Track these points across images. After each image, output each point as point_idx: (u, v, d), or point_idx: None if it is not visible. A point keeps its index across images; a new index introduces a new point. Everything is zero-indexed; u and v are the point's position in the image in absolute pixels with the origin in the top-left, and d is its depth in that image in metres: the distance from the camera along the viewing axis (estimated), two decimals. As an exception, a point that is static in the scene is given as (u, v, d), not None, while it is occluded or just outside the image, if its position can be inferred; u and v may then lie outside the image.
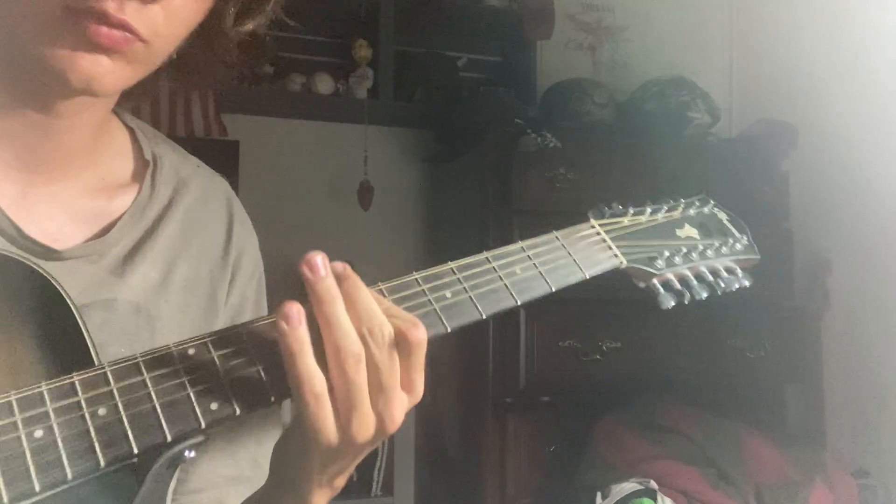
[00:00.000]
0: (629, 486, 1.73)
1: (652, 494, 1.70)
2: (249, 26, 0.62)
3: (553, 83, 2.37)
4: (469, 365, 2.16)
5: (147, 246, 0.64)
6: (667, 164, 2.09)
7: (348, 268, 0.50)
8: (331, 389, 0.49)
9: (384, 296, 0.54)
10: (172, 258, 0.66)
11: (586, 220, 0.70)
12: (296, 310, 0.47)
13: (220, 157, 2.29)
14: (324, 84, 2.45)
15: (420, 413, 2.52)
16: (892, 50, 2.13)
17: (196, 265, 0.68)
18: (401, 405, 0.51)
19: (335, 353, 0.48)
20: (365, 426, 0.50)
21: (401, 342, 0.50)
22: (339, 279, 0.50)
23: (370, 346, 0.49)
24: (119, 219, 0.64)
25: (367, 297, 0.50)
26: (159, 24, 0.52)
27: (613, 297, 2.14)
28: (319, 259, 0.49)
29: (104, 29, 0.50)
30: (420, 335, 0.50)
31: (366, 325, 0.49)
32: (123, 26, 0.50)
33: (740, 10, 2.81)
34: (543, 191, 2.06)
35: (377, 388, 0.50)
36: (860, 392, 2.17)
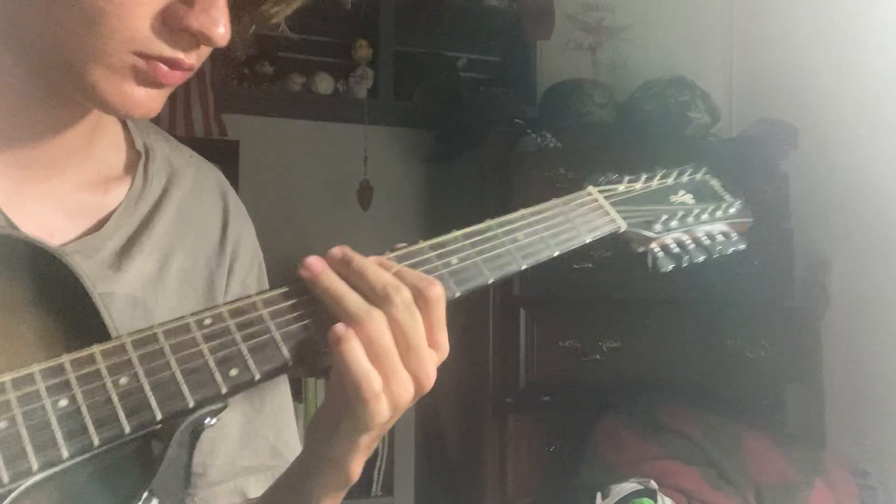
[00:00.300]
0: (629, 486, 1.73)
1: (652, 494, 1.70)
2: (252, 30, 0.62)
3: (553, 83, 2.37)
4: (469, 365, 2.16)
5: (142, 238, 0.65)
6: (667, 165, 2.08)
7: (347, 249, 0.54)
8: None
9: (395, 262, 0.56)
10: (168, 250, 0.66)
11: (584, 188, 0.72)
12: (342, 327, 0.50)
13: (220, 157, 2.29)
14: (324, 84, 2.45)
15: (420, 413, 2.52)
16: (892, 50, 2.13)
17: (192, 256, 0.68)
18: (432, 361, 0.53)
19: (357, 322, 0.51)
20: (405, 388, 0.52)
21: (419, 300, 0.52)
22: (345, 262, 0.53)
23: (391, 308, 0.51)
24: (113, 212, 0.64)
25: (374, 267, 0.54)
26: (204, 55, 0.56)
27: (613, 297, 2.15)
28: (313, 258, 0.53)
29: (173, 72, 0.54)
30: (437, 291, 0.53)
31: (380, 291, 0.52)
32: (190, 69, 0.55)
33: (740, 10, 2.81)
34: (543, 191, 2.05)
35: (406, 348, 0.52)
36: (860, 392, 2.17)
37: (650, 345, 2.08)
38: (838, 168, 2.25)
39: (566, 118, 2.22)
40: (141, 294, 0.63)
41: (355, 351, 0.50)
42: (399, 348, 0.52)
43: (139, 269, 0.64)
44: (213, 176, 0.75)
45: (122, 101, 0.53)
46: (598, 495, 1.76)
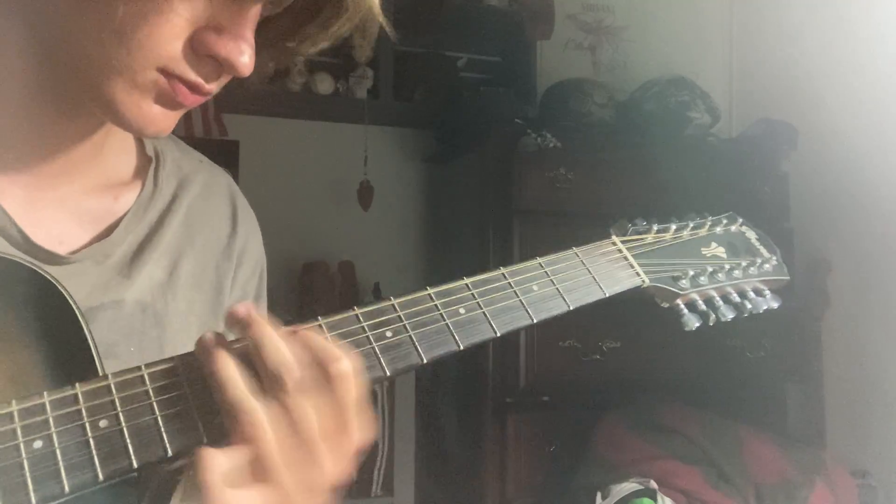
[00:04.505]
0: (629, 486, 1.73)
1: (652, 494, 1.70)
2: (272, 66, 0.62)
3: (553, 83, 2.37)
4: (469, 365, 2.15)
5: (152, 244, 0.64)
6: (667, 165, 2.09)
7: (252, 311, 0.47)
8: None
9: (396, 310, 0.52)
10: (178, 255, 0.66)
11: (607, 235, 0.68)
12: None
13: (220, 157, 2.26)
14: (324, 84, 2.45)
15: (420, 413, 2.52)
16: (892, 50, 2.13)
17: (201, 261, 0.68)
18: (330, 461, 0.45)
19: (234, 420, 0.44)
20: (288, 499, 0.43)
21: (321, 380, 0.45)
22: (245, 325, 0.46)
23: (282, 397, 0.44)
24: (123, 217, 0.63)
25: (274, 339, 0.45)
26: (223, 83, 0.56)
27: (613, 298, 2.15)
28: (207, 336, 0.47)
29: (193, 95, 0.53)
30: (340, 368, 0.44)
31: (273, 373, 0.44)
32: (209, 94, 0.54)
33: (740, 10, 2.81)
34: (544, 191, 2.05)
35: (295, 445, 0.44)
36: (860, 392, 2.17)
37: (650, 345, 2.08)
38: (838, 168, 2.25)
39: (566, 118, 2.22)
40: (150, 300, 0.63)
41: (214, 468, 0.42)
42: (290, 446, 0.43)
43: (149, 275, 0.63)
44: (222, 180, 0.75)
45: (138, 117, 0.53)
46: (598, 495, 1.76)
